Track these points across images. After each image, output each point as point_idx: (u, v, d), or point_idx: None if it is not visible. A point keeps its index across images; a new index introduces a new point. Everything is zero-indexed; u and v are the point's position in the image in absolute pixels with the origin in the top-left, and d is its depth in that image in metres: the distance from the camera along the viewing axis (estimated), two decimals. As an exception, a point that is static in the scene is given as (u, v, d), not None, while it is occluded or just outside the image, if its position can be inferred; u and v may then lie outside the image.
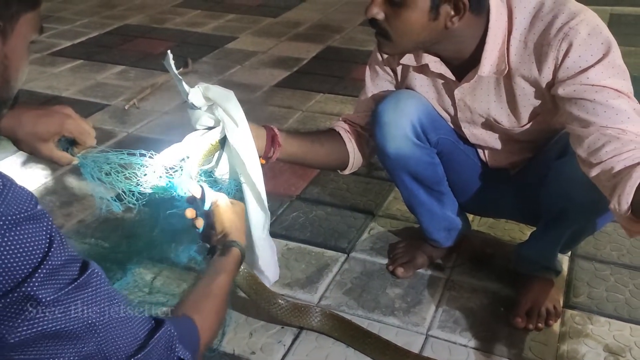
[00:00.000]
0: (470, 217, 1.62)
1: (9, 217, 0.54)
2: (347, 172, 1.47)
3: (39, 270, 0.56)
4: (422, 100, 1.32)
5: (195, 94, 1.17)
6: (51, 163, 1.12)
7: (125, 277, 1.52)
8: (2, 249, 0.54)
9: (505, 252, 1.60)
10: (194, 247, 1.52)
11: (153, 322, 0.71)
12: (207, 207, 1.10)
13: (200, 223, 1.09)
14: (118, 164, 1.20)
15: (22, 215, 0.55)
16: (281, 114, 2.49)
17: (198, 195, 1.12)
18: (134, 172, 1.20)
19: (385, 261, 1.60)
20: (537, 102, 1.20)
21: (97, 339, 0.62)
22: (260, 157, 1.27)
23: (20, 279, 0.55)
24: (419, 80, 1.32)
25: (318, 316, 1.36)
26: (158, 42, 3.37)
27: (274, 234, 1.39)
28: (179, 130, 1.21)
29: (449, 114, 1.34)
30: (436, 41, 1.18)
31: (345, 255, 1.63)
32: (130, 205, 1.19)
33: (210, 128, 1.24)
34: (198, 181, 1.17)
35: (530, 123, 1.24)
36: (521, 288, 1.42)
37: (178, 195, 1.17)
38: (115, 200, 1.21)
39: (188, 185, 1.15)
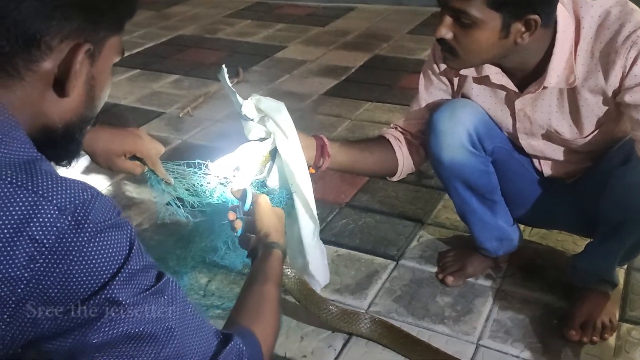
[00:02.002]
0: (522, 227, 1.60)
1: (97, 225, 0.58)
2: (395, 179, 1.49)
3: (120, 274, 0.60)
4: (478, 108, 1.32)
5: (248, 106, 1.22)
6: (125, 174, 1.23)
7: (182, 280, 1.57)
8: (89, 253, 0.57)
9: (558, 264, 1.58)
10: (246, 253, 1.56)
11: (221, 335, 0.72)
12: (247, 206, 1.12)
13: (238, 225, 1.11)
14: (178, 172, 1.27)
15: (107, 222, 0.59)
16: (330, 123, 2.52)
17: (238, 195, 1.15)
18: (192, 182, 1.27)
19: (434, 269, 1.60)
20: (602, 112, 1.20)
21: (174, 343, 0.64)
22: (310, 167, 1.31)
23: (103, 282, 0.58)
24: (476, 90, 1.33)
25: (368, 323, 1.37)
26: (210, 51, 3.46)
27: (323, 240, 1.41)
28: (230, 137, 1.25)
29: (506, 125, 1.34)
30: (504, 56, 1.18)
31: (395, 262, 1.64)
32: (190, 213, 1.25)
33: (262, 139, 1.28)
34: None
35: (593, 133, 1.24)
36: (576, 300, 1.39)
37: (230, 202, 1.22)
38: (178, 207, 1.26)
39: (232, 185, 1.19)
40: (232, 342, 0.71)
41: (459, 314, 1.45)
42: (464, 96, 1.36)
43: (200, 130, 2.51)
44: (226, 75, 1.20)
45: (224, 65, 1.20)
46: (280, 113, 1.24)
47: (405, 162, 1.44)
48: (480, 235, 1.48)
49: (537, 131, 1.30)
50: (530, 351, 1.32)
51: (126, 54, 0.77)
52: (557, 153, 1.32)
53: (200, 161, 1.40)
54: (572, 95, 1.20)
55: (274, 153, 1.29)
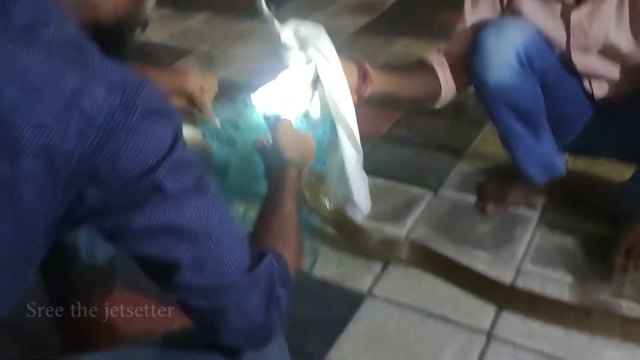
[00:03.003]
0: (566, 156, 1.56)
1: (145, 108, 0.57)
2: (438, 105, 1.45)
3: (166, 161, 0.59)
4: (528, 25, 1.26)
5: (287, 33, 1.19)
6: None
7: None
8: (137, 135, 0.56)
9: (603, 192, 1.54)
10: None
11: (256, 252, 0.72)
12: (269, 128, 1.08)
13: (261, 143, 1.08)
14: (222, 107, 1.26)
15: (155, 107, 0.58)
16: (364, 58, 2.47)
17: (269, 114, 1.13)
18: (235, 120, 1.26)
19: (473, 199, 1.58)
20: None
21: (212, 246, 0.64)
22: (352, 93, 1.28)
23: (149, 167, 0.58)
24: (528, 5, 1.27)
25: (407, 248, 1.37)
26: (241, -11, 3.40)
27: (360, 171, 1.40)
28: (263, 74, 1.23)
29: (558, 42, 1.28)
30: None
31: (433, 192, 1.63)
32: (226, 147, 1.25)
33: (303, 68, 1.25)
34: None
35: None
36: (621, 227, 1.36)
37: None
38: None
39: (266, 91, 1.17)
40: (266, 259, 0.71)
41: (499, 241, 1.43)
42: (513, 13, 1.30)
43: (233, 66, 2.49)
44: (263, 2, 1.17)
45: None
46: (320, 39, 1.20)
47: (448, 87, 1.40)
48: (523, 161, 1.45)
49: (592, 46, 1.24)
50: (573, 276, 1.31)
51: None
52: (612, 71, 1.26)
53: (244, 94, 1.40)
54: (633, 4, 1.14)
55: (315, 81, 1.27)
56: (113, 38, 0.68)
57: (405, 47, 2.54)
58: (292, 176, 0.97)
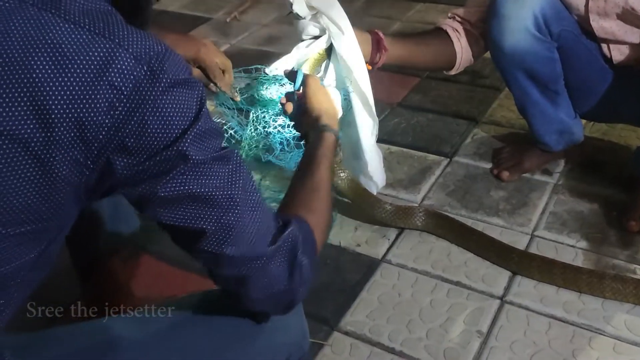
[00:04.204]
0: (583, 122, 1.55)
1: (171, 77, 0.58)
2: (453, 72, 1.44)
3: (191, 129, 0.60)
4: (545, -10, 1.24)
5: (299, 3, 1.18)
6: None
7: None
8: (163, 105, 0.57)
9: (619, 158, 1.53)
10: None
11: (280, 219, 0.73)
12: (297, 85, 1.09)
13: (289, 108, 1.08)
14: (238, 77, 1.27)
15: (180, 77, 0.59)
16: (380, 25, 2.43)
17: (290, 75, 1.12)
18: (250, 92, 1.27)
19: (489, 166, 1.58)
20: None
21: (235, 213, 0.65)
22: (366, 62, 1.27)
23: (175, 136, 0.59)
24: None
25: (422, 216, 1.38)
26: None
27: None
28: (279, 41, 1.23)
29: (576, 5, 1.26)
30: None
31: (448, 159, 1.63)
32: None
33: (316, 37, 1.25)
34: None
35: None
36: (638, 192, 1.36)
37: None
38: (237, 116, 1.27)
39: (283, 65, 1.17)
40: (290, 227, 0.71)
41: (514, 206, 1.44)
42: (530, -23, 1.27)
43: (248, 34, 2.48)
44: None
45: None
46: (333, 8, 1.20)
47: (463, 53, 1.39)
48: (540, 128, 1.44)
49: (611, 10, 1.21)
50: (586, 241, 1.31)
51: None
52: (631, 35, 1.24)
53: (259, 66, 1.40)
54: None
55: (329, 51, 1.27)
56: (134, 7, 0.69)
57: (421, 14, 2.51)
58: (327, 141, 0.96)
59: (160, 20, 2.67)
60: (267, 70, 1.31)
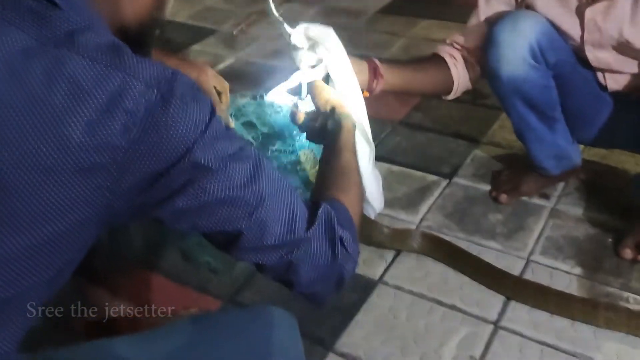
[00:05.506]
0: (581, 147, 1.56)
1: (181, 98, 0.61)
2: (450, 97, 1.46)
3: (203, 138, 0.63)
4: (541, 19, 1.26)
5: (297, 34, 1.20)
6: None
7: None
8: (176, 123, 0.61)
9: (617, 184, 1.54)
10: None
11: (310, 203, 0.74)
12: (303, 95, 1.12)
13: (301, 117, 1.10)
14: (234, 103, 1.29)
15: (190, 96, 0.63)
16: (384, 41, 2.47)
17: (293, 92, 1.15)
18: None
19: (488, 188, 1.59)
20: None
21: (266, 206, 0.67)
22: (363, 90, 1.29)
23: (188, 146, 0.62)
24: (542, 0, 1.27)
25: (419, 238, 1.40)
26: (262, -32, 3.38)
27: (375, 158, 1.41)
28: (285, 55, 1.25)
29: (572, 36, 1.28)
30: None
31: (447, 180, 1.65)
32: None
33: (313, 67, 1.27)
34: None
35: None
36: (634, 219, 1.37)
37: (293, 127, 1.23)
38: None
39: (278, 92, 1.19)
40: (322, 207, 0.73)
41: (511, 230, 1.45)
42: (527, 8, 1.29)
43: (254, 47, 2.50)
44: (272, 5, 1.19)
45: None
46: (329, 38, 1.22)
47: (461, 79, 1.41)
48: (538, 153, 1.46)
49: (606, 42, 1.23)
50: (581, 268, 1.33)
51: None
52: (626, 66, 1.26)
53: (257, 93, 1.42)
54: None
55: (326, 80, 1.29)
56: (138, 40, 0.72)
57: (425, 30, 2.53)
58: (347, 129, 0.98)
59: (167, 30, 2.70)
60: (265, 97, 1.33)
